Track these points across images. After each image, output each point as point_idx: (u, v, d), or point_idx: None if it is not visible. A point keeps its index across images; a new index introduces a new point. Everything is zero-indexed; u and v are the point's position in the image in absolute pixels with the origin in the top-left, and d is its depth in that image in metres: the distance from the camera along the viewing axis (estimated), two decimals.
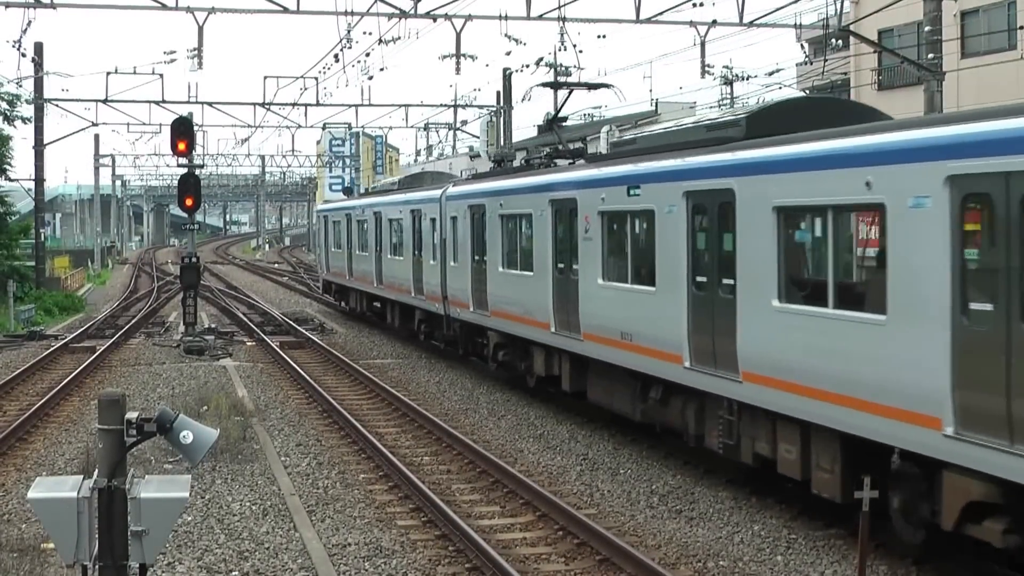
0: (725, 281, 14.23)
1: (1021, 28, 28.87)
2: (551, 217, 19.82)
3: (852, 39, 35.33)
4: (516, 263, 21.73)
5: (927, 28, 24.52)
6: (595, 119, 61.73)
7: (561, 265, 19.50)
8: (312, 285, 56.66)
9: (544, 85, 23.24)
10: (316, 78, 43.75)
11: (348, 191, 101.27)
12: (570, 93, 24.34)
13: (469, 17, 29.84)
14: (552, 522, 13.74)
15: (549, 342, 20.01)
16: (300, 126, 56.63)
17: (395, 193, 33.09)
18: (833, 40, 42.67)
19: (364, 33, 51.20)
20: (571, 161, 21.41)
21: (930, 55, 24.15)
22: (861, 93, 36.45)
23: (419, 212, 28.49)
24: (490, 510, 14.62)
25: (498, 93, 51.04)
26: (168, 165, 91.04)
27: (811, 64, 37.88)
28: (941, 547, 11.77)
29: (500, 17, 29.86)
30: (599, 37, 42.00)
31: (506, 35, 36.84)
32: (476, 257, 23.95)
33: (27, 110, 48.71)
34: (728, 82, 51.15)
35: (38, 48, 47.56)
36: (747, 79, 49.98)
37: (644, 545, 12.90)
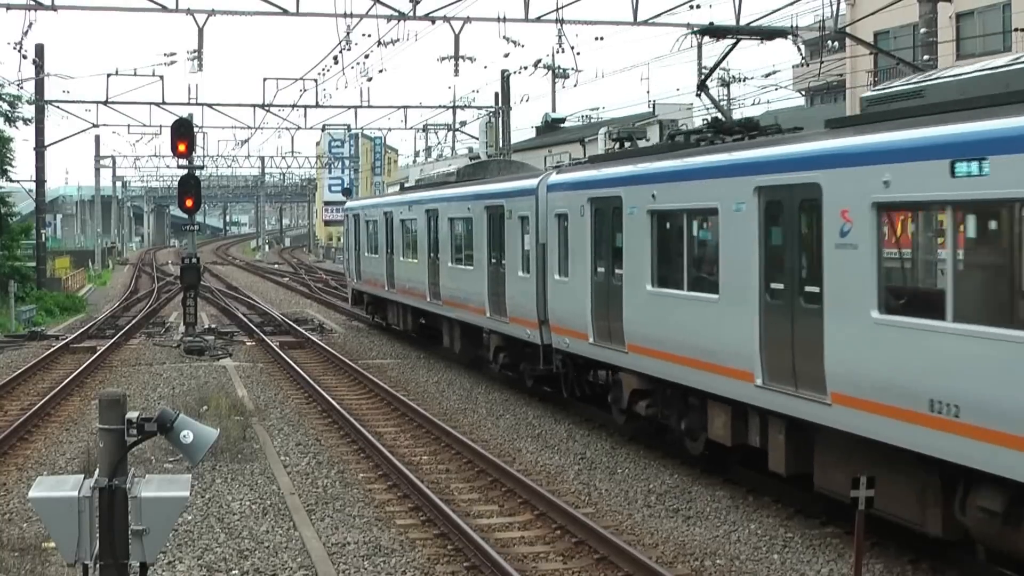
0: None
1: (1016, 30, 28.99)
2: (759, 213, 13.47)
3: (848, 41, 35.43)
4: (681, 280, 15.41)
5: (923, 30, 24.64)
6: (592, 121, 61.82)
7: (778, 286, 13.18)
8: (313, 286, 56.77)
9: (702, 32, 17.85)
10: (315, 80, 43.95)
11: (347, 192, 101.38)
12: (735, 43, 17.77)
13: (467, 19, 29.97)
14: (550, 521, 13.81)
15: (749, 399, 13.68)
16: (300, 127, 56.70)
17: (455, 186, 26.90)
18: (829, 42, 42.80)
19: (363, 35, 51.45)
20: (740, 136, 15.89)
21: (925, 57, 24.25)
22: (857, 95, 36.49)
23: (499, 209, 22.44)
24: (489, 509, 14.70)
25: (496, 94, 51.11)
26: (168, 166, 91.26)
27: (807, 66, 37.90)
28: (938, 547, 11.86)
29: (498, 19, 29.96)
30: (597, 39, 42.09)
31: (504, 37, 37.06)
32: (601, 269, 17.92)
33: (28, 111, 48.89)
34: (725, 84, 51.30)
35: (39, 50, 47.66)
36: (744, 81, 50.16)
37: (641, 544, 12.97)
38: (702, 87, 18.33)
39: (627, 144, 19.63)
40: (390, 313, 32.71)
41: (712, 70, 18.71)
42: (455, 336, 26.30)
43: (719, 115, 17.72)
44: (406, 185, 36.84)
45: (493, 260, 22.91)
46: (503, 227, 22.22)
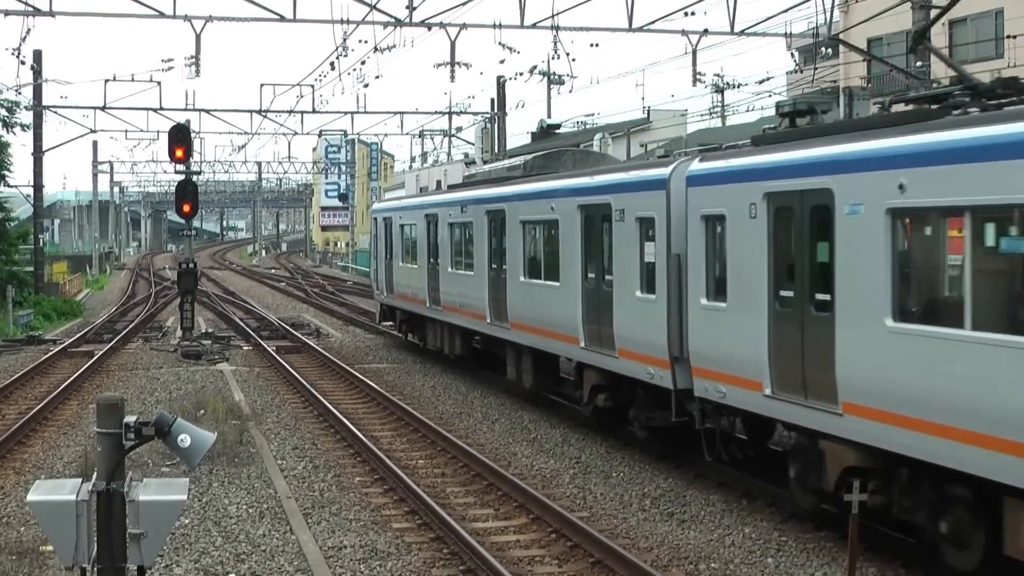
0: None
1: (1008, 37, 29.12)
2: None
3: (841, 47, 35.57)
4: (960, 315, 10.45)
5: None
6: (588, 126, 61.94)
7: None
8: (309, 291, 56.81)
9: None
10: (312, 86, 43.95)
11: (344, 197, 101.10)
12: None
13: (463, 26, 30.00)
14: (546, 525, 13.87)
15: None
16: (296, 133, 56.77)
17: (525, 181, 22.04)
18: (823, 48, 42.95)
19: (360, 41, 51.55)
20: (1009, 99, 11.24)
21: (918, 63, 24.35)
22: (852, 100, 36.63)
23: (603, 208, 17.55)
24: (484, 513, 14.76)
25: (492, 100, 51.21)
26: (166, 171, 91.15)
27: (801, 72, 38.08)
28: (929, 551, 11.94)
29: (494, 25, 30.00)
30: (592, 45, 42.25)
31: (500, 43, 36.91)
32: (789, 293, 13.11)
33: (26, 117, 49.04)
34: (719, 90, 51.36)
35: (37, 56, 47.74)
36: (738, 87, 50.21)
37: (636, 547, 13.03)
38: (920, 40, 14.53)
39: (800, 121, 14.21)
40: (431, 334, 27.87)
41: (938, 17, 15.17)
42: (524, 367, 21.53)
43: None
44: (467, 178, 29.17)
45: (591, 274, 18.19)
46: (608, 232, 17.53)
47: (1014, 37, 28.40)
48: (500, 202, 22.28)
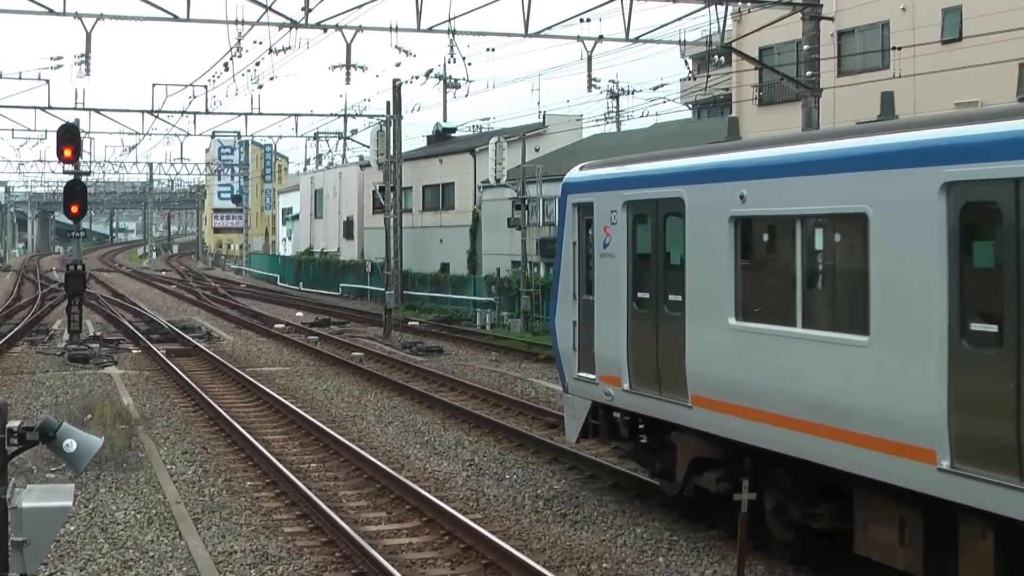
0: None
1: (894, 48, 29.83)
2: None
3: (734, 56, 36.13)
4: None
5: (805, 47, 25.29)
6: (483, 131, 62.10)
7: None
8: (201, 293, 56.03)
9: None
10: (206, 86, 43.37)
11: (237, 199, 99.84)
12: None
13: (360, 28, 29.84)
14: (438, 527, 13.89)
15: None
16: (189, 134, 56.02)
17: None
18: (716, 57, 43.60)
19: (254, 42, 50.85)
20: None
21: (808, 73, 24.90)
22: (742, 109, 37.27)
23: None
24: (377, 516, 14.73)
25: (388, 103, 51.11)
26: (54, 172, 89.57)
27: (694, 80, 38.63)
28: (816, 549, 12.19)
29: (390, 28, 29.90)
30: (488, 50, 42.27)
31: (396, 46, 36.84)
32: None
33: None
34: (614, 96, 51.86)
35: None
36: (632, 93, 50.82)
37: (529, 549, 13.09)
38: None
39: None
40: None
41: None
42: None
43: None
44: None
45: None
46: None
47: (899, 49, 29.08)
48: None
